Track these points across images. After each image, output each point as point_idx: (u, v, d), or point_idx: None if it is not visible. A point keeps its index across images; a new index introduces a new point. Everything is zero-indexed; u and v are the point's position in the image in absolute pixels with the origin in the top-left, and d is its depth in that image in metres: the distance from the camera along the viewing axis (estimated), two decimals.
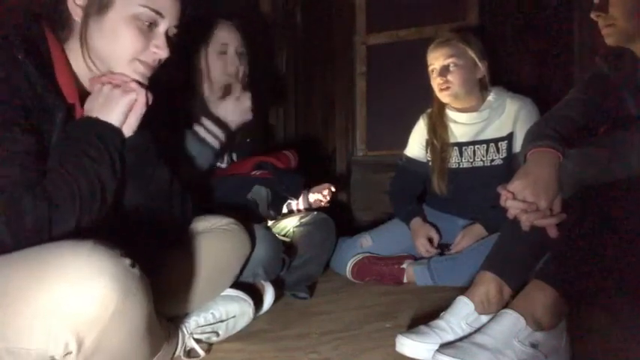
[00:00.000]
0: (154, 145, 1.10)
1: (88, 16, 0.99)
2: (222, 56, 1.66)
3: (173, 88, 1.59)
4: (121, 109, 1.00)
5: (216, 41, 1.66)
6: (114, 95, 0.99)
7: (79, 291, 0.74)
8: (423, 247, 1.86)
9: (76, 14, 0.99)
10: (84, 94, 1.02)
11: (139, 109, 1.02)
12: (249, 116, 1.59)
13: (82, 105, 1.01)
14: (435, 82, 1.86)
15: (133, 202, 1.07)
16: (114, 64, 1.01)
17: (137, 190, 1.07)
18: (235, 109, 1.57)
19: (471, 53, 1.84)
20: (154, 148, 1.09)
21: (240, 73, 1.67)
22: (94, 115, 0.98)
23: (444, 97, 1.87)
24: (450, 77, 1.82)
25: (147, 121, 1.04)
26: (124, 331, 0.81)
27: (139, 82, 1.02)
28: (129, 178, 1.04)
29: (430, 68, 1.88)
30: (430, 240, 1.87)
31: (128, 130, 1.02)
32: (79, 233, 0.88)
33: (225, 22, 1.70)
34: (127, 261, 0.80)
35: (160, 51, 1.03)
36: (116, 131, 0.99)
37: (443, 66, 1.83)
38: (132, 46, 1.01)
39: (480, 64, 1.85)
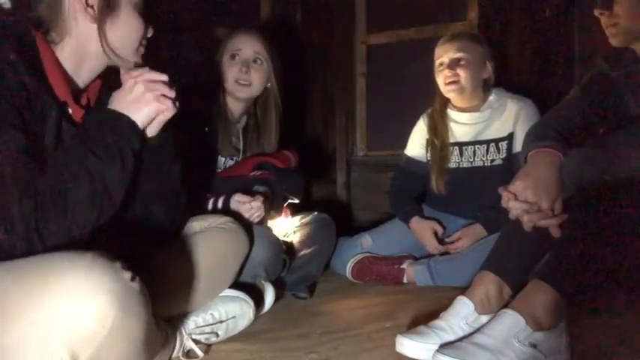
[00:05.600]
0: (173, 142, 1.11)
1: (104, 17, 1.00)
2: (233, 62, 1.71)
3: (192, 92, 1.64)
4: (149, 114, 1.00)
5: (230, 47, 1.73)
6: (145, 98, 0.99)
7: (77, 307, 0.73)
8: (432, 247, 1.85)
9: (85, 17, 0.99)
10: (76, 93, 1.03)
11: (164, 118, 1.03)
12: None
13: (76, 102, 1.01)
14: (443, 75, 1.84)
15: (144, 197, 1.08)
16: (127, 51, 1.05)
17: (150, 186, 1.08)
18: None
19: (481, 51, 1.84)
20: (172, 146, 1.11)
21: (251, 78, 1.70)
22: (120, 109, 0.98)
23: (450, 91, 1.85)
24: (459, 71, 1.81)
25: (169, 121, 1.05)
26: (121, 346, 0.79)
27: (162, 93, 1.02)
28: (144, 173, 1.05)
29: (438, 62, 1.87)
30: (435, 234, 1.86)
31: (150, 132, 1.04)
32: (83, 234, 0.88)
33: (241, 29, 1.75)
34: (127, 275, 0.79)
35: (150, 31, 1.09)
36: (137, 131, 0.98)
37: (453, 59, 1.82)
38: (140, 30, 1.06)
39: (487, 63, 1.85)
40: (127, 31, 1.05)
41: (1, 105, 0.85)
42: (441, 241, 1.87)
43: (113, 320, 0.75)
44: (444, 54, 1.84)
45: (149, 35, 1.10)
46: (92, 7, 0.99)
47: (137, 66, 1.06)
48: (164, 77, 1.01)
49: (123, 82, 1.02)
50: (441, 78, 1.86)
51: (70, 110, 0.99)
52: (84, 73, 1.04)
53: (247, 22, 2.54)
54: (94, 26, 1.00)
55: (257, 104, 1.83)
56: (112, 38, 1.02)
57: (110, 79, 1.07)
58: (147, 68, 1.02)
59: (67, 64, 1.01)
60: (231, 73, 1.70)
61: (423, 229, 1.88)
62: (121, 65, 1.05)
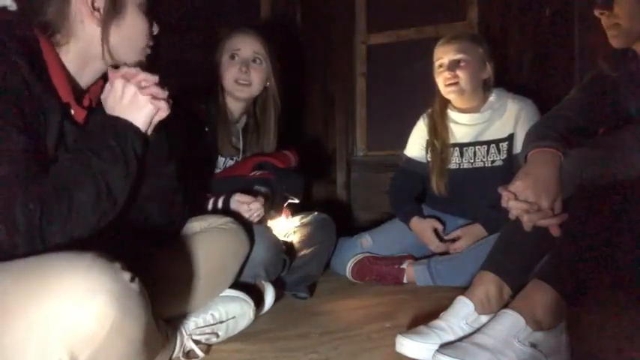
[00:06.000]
0: (166, 142, 1.11)
1: (109, 19, 1.00)
2: (232, 61, 1.71)
3: (192, 92, 1.64)
4: (147, 116, 1.00)
5: (229, 47, 1.72)
6: (139, 101, 0.99)
7: (76, 308, 0.73)
8: (434, 245, 1.85)
9: (91, 21, 0.99)
10: (78, 94, 1.03)
11: (159, 118, 1.03)
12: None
13: (79, 104, 1.01)
14: (442, 77, 1.85)
15: (139, 197, 1.07)
16: (133, 52, 1.05)
17: (144, 186, 1.08)
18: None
19: (481, 52, 1.84)
20: (165, 146, 1.11)
21: (251, 78, 1.70)
22: (118, 114, 0.98)
23: (449, 92, 1.85)
24: (459, 72, 1.81)
25: (164, 121, 1.05)
26: (120, 347, 0.79)
27: (155, 93, 1.01)
28: (141, 173, 1.05)
29: (438, 63, 1.87)
30: (436, 231, 1.86)
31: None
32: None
33: (240, 29, 1.75)
34: (127, 275, 0.79)
35: (156, 28, 1.08)
36: (139, 134, 0.99)
37: (453, 60, 1.82)
38: (147, 32, 1.06)
39: (487, 64, 1.85)
40: (132, 32, 1.04)
41: (3, 105, 0.85)
42: (441, 240, 1.86)
43: (112, 321, 0.75)
44: (444, 55, 1.84)
45: (155, 33, 1.09)
46: (98, 10, 0.99)
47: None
48: (155, 78, 1.01)
49: (110, 80, 1.02)
50: (441, 79, 1.86)
51: (73, 111, 0.99)
52: (87, 75, 1.04)
53: (247, 22, 2.54)
54: (100, 29, 1.00)
55: (256, 104, 1.83)
56: (118, 40, 1.02)
57: None
58: (138, 69, 1.02)
59: (71, 65, 1.01)
60: (231, 73, 1.70)
61: (423, 229, 1.88)
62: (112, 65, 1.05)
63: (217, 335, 1.21)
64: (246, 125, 1.83)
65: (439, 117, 1.93)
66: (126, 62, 1.05)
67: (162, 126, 1.06)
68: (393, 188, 2.07)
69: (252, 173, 1.64)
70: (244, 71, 1.69)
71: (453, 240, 1.84)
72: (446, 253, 1.84)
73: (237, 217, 1.41)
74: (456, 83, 1.82)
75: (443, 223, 1.89)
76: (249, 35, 1.73)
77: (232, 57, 1.71)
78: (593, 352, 1.12)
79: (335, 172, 2.79)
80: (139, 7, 1.04)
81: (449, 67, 1.82)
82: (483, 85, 1.88)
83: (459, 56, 1.81)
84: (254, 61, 1.72)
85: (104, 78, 1.08)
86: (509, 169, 1.76)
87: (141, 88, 0.99)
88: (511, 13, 2.34)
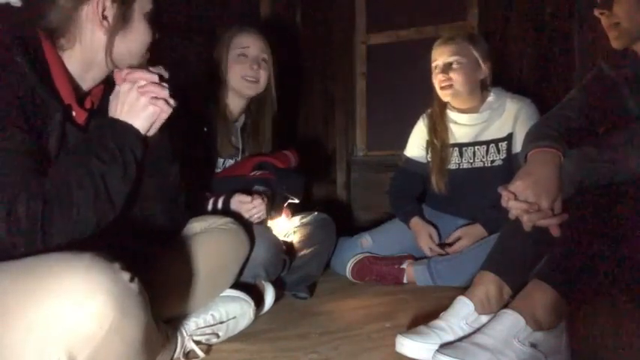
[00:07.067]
0: (170, 142, 1.12)
1: (117, 30, 1.01)
2: (241, 59, 1.71)
3: (192, 92, 1.64)
4: (147, 119, 1.00)
5: (236, 45, 1.72)
6: (140, 104, 0.99)
7: (75, 308, 0.73)
8: (426, 247, 1.86)
9: (100, 29, 1.00)
10: (80, 96, 1.03)
11: (162, 120, 1.03)
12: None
13: (80, 105, 1.01)
14: (437, 79, 1.85)
15: (144, 197, 1.08)
16: (134, 58, 1.06)
17: (149, 185, 1.08)
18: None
19: (475, 53, 1.83)
20: (169, 145, 1.11)
21: (259, 75, 1.72)
22: (119, 117, 0.98)
23: (444, 95, 1.86)
24: (452, 75, 1.81)
25: (167, 121, 1.05)
26: (119, 347, 0.79)
27: (157, 93, 1.01)
28: (144, 173, 1.05)
29: (433, 64, 1.87)
30: (431, 237, 1.87)
31: (149, 133, 1.03)
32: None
33: (245, 28, 1.76)
34: (126, 275, 0.79)
35: (157, 34, 1.09)
36: (139, 137, 0.99)
37: (446, 63, 1.82)
38: (149, 38, 1.07)
39: (483, 64, 1.85)
40: (137, 40, 1.05)
41: (5, 106, 0.85)
42: (441, 244, 1.86)
43: (111, 321, 0.75)
44: (439, 57, 1.85)
45: (155, 39, 1.10)
46: (107, 19, 1.00)
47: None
48: (154, 78, 1.00)
49: (116, 80, 1.02)
50: (436, 81, 1.87)
51: (74, 113, 0.99)
52: (90, 79, 1.05)
53: (247, 21, 2.54)
54: (106, 37, 1.01)
55: (252, 103, 1.83)
56: (123, 48, 1.03)
57: (113, 82, 1.06)
58: (140, 69, 1.02)
59: (74, 69, 1.01)
60: (239, 70, 1.71)
61: (420, 231, 1.88)
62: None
63: (218, 335, 1.21)
64: (244, 124, 1.83)
65: (438, 117, 1.93)
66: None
67: (165, 125, 1.06)
68: (393, 188, 2.07)
69: (252, 173, 1.64)
70: (255, 69, 1.70)
71: (450, 244, 1.83)
72: (446, 253, 1.84)
73: (237, 217, 1.41)
74: (450, 86, 1.82)
75: (439, 233, 1.89)
76: (257, 34, 1.76)
77: (241, 55, 1.72)
78: (593, 352, 1.12)
79: (335, 172, 2.79)
80: (144, 17, 1.05)
81: (442, 70, 1.83)
82: (481, 85, 1.88)
83: (451, 58, 1.81)
84: (262, 59, 1.74)
85: (105, 81, 1.08)
86: (509, 168, 1.76)
87: (141, 87, 0.99)
88: (511, 13, 2.34)
